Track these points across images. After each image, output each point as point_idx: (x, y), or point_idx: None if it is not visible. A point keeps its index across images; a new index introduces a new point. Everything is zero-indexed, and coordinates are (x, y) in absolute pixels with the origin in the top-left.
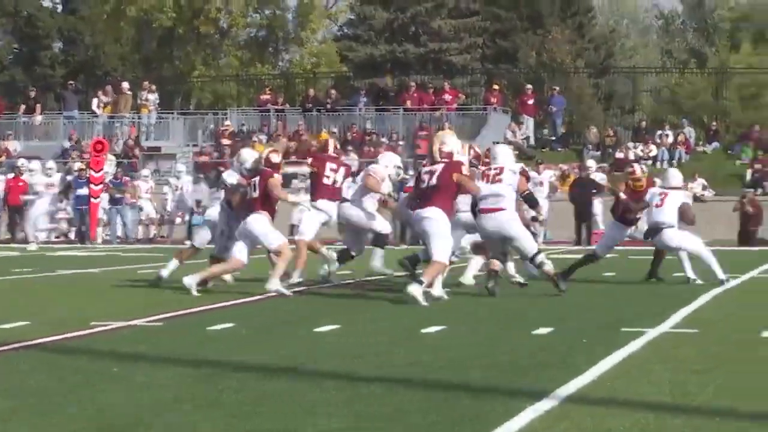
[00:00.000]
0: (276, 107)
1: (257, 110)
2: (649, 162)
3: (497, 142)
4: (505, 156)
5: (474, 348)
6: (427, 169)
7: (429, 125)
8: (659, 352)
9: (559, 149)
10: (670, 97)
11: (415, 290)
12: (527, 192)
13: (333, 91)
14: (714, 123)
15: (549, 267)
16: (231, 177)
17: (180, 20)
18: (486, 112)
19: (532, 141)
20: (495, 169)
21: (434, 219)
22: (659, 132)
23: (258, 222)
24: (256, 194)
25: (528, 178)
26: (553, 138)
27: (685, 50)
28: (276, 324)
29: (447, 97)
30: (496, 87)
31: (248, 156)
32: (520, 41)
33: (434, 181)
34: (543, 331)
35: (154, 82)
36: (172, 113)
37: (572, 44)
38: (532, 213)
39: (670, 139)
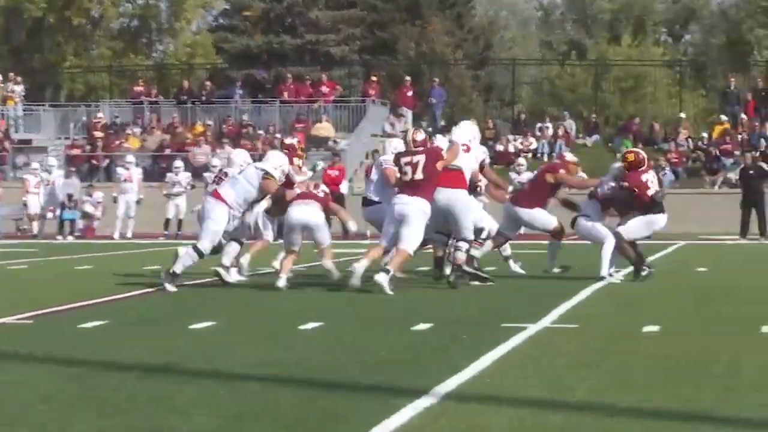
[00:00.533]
0: (149, 99)
1: (130, 102)
2: (529, 155)
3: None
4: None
5: (352, 344)
6: (406, 159)
7: (306, 118)
8: (540, 347)
9: None
10: (549, 89)
11: (381, 279)
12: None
13: (208, 83)
14: (594, 115)
15: (462, 257)
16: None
17: (50, 9)
18: (364, 105)
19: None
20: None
21: (417, 209)
22: (539, 124)
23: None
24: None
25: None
26: (432, 130)
27: (564, 42)
28: (151, 321)
29: (325, 89)
30: (374, 79)
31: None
32: (399, 32)
33: (420, 174)
34: (422, 326)
35: (24, 73)
36: (43, 105)
37: (451, 35)
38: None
39: (550, 132)
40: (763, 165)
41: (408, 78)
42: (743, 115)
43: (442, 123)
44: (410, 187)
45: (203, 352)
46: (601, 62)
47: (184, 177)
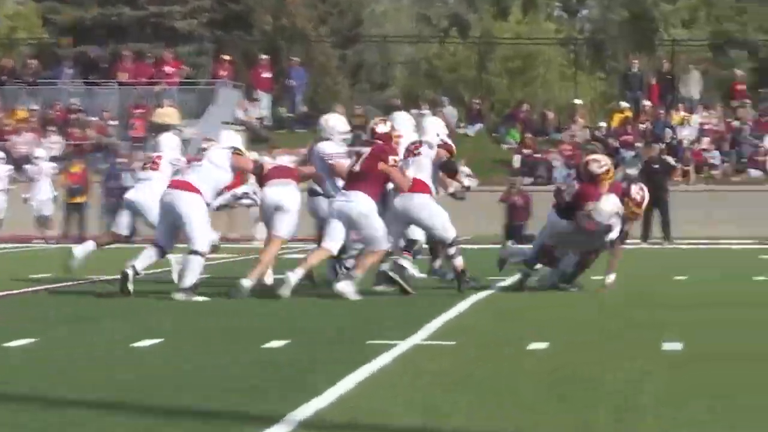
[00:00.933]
0: None
1: None
2: None
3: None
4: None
5: (195, 364)
6: (359, 149)
7: (147, 102)
8: (410, 366)
9: (299, 130)
10: (427, 70)
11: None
12: None
13: (33, 62)
14: (477, 101)
15: (460, 262)
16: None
17: None
18: (214, 87)
19: (268, 121)
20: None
21: (357, 203)
22: (414, 111)
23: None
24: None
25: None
26: (292, 116)
27: (445, 16)
28: None
29: (169, 69)
30: (226, 58)
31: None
32: (254, 4)
33: (357, 167)
34: (276, 344)
35: None
36: None
37: (314, 8)
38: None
39: None
40: (669, 159)
41: (264, 57)
42: (646, 102)
43: (304, 109)
44: (350, 180)
45: (18, 374)
46: (485, 40)
47: (4, 170)
